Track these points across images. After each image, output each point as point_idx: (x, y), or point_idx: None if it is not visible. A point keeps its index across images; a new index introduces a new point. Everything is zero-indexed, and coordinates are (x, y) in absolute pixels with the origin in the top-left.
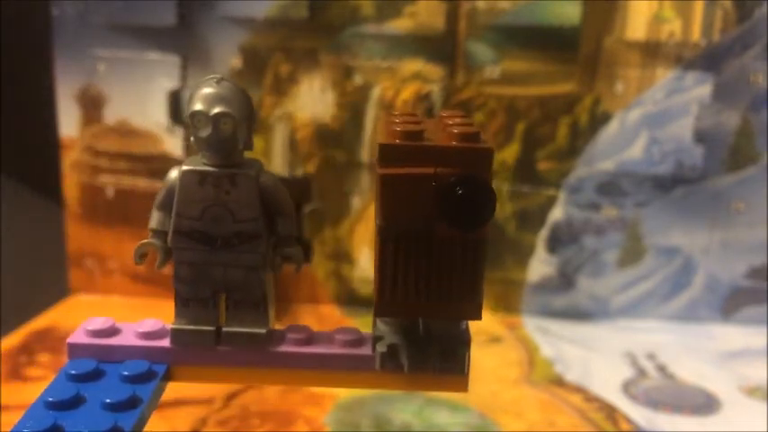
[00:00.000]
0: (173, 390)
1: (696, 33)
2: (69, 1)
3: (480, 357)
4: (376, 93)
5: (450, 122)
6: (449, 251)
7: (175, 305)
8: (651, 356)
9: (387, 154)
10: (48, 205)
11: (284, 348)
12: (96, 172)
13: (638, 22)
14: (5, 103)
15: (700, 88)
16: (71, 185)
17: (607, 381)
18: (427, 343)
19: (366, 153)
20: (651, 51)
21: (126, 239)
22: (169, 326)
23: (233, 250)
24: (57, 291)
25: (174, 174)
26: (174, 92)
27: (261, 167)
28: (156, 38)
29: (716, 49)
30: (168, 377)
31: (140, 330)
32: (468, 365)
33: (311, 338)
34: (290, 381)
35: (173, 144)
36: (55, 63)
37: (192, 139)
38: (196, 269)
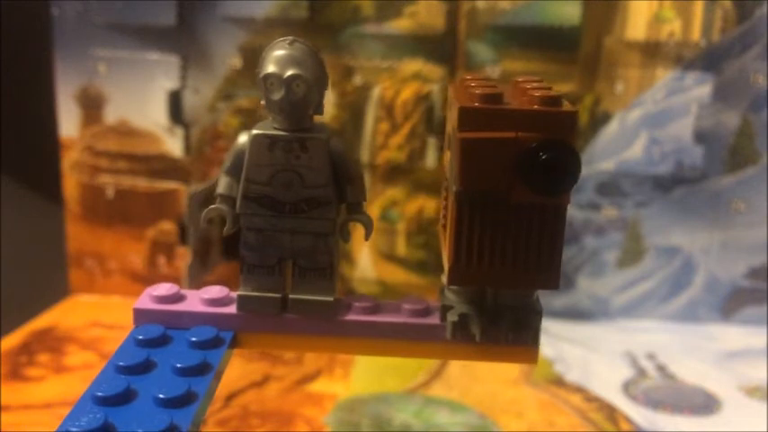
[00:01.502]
0: None
1: (696, 33)
2: (69, 1)
3: None
4: (376, 93)
5: (529, 87)
6: (527, 218)
7: (241, 271)
8: (651, 356)
9: (467, 117)
10: (48, 205)
11: (352, 317)
12: (96, 172)
13: (638, 22)
14: (5, 103)
15: (700, 88)
16: (71, 185)
17: (607, 381)
18: (499, 313)
19: (366, 153)
20: (651, 51)
21: (126, 239)
22: (235, 293)
23: (302, 216)
24: (57, 291)
25: (243, 138)
26: (174, 92)
27: (331, 133)
28: (156, 38)
29: (716, 49)
30: (235, 344)
31: (206, 297)
32: (540, 336)
33: (378, 308)
34: (357, 350)
35: (173, 144)
36: (55, 63)
37: (262, 102)
38: (264, 235)
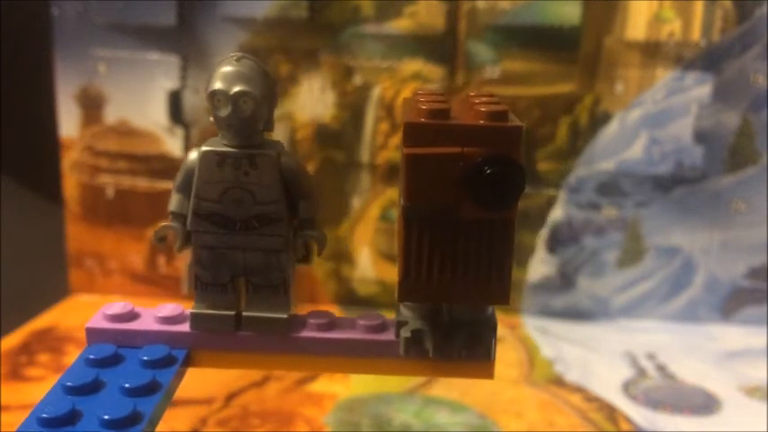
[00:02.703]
0: None
1: (696, 33)
2: (69, 1)
3: None
4: (376, 93)
5: (477, 101)
6: (476, 233)
7: (195, 289)
8: (651, 356)
9: (412, 133)
10: (48, 205)
11: (306, 334)
12: (96, 172)
13: (638, 22)
14: (5, 103)
15: (700, 88)
16: (71, 185)
17: (607, 381)
18: (452, 328)
19: (366, 153)
20: (651, 51)
21: (126, 239)
22: (189, 310)
23: (253, 233)
24: (57, 291)
25: (193, 155)
26: (174, 92)
27: (282, 149)
28: (156, 38)
29: (716, 49)
30: (188, 362)
31: (159, 315)
32: (495, 351)
33: (333, 324)
34: (312, 367)
35: (173, 144)
36: (55, 63)
37: (211, 119)
38: (215, 253)
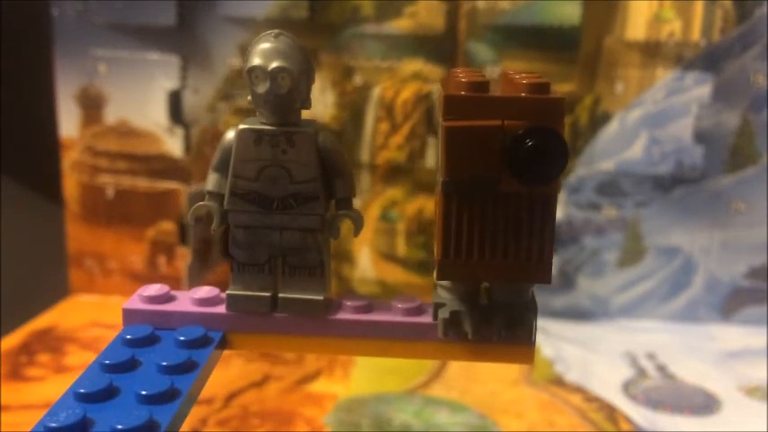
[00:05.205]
0: None
1: (696, 33)
2: (69, 1)
3: None
4: (376, 93)
5: (517, 76)
6: (516, 208)
7: (231, 270)
8: (651, 356)
9: (452, 106)
10: (48, 205)
11: (342, 316)
12: (96, 172)
13: (638, 22)
14: (5, 103)
15: (700, 88)
16: (71, 185)
17: (607, 381)
18: (492, 311)
19: (366, 153)
20: (651, 51)
21: (126, 239)
22: (225, 292)
23: (290, 212)
24: (57, 291)
25: (230, 134)
26: (174, 92)
27: (320, 127)
28: (156, 38)
29: (716, 49)
30: (224, 344)
31: (196, 297)
32: (536, 335)
33: (370, 307)
34: (349, 350)
35: (173, 144)
36: (55, 63)
37: (249, 97)
38: (252, 232)
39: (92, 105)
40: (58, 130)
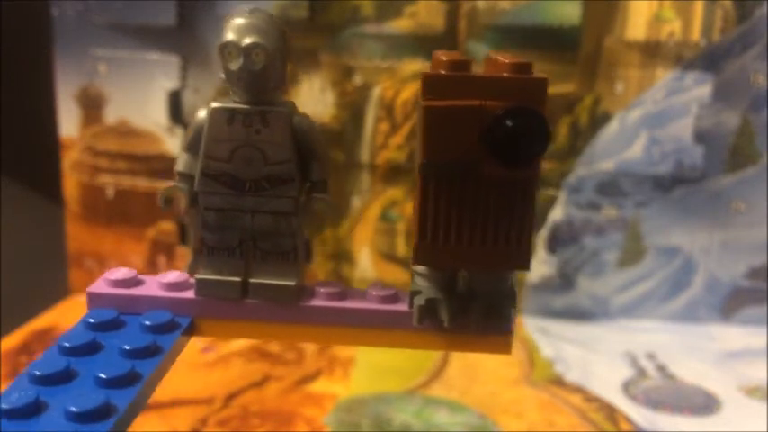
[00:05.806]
0: (173, 390)
1: (696, 33)
2: (69, 1)
3: (480, 357)
4: (376, 93)
5: (500, 57)
6: (495, 192)
7: (201, 254)
8: (651, 356)
9: (431, 85)
10: (48, 205)
11: (315, 303)
12: (96, 172)
13: (638, 22)
14: (5, 103)
15: (700, 88)
16: (71, 185)
17: (607, 381)
18: (469, 298)
19: (366, 153)
20: (651, 51)
21: (126, 239)
22: (194, 277)
23: (263, 195)
24: (57, 291)
25: (202, 113)
26: (174, 92)
27: (294, 107)
28: (156, 38)
29: (716, 49)
30: (192, 330)
31: (164, 281)
32: (514, 324)
33: (344, 294)
34: (321, 338)
35: (172, 144)
36: (55, 63)
37: (222, 75)
38: (223, 215)
39: (92, 105)
40: (58, 130)
